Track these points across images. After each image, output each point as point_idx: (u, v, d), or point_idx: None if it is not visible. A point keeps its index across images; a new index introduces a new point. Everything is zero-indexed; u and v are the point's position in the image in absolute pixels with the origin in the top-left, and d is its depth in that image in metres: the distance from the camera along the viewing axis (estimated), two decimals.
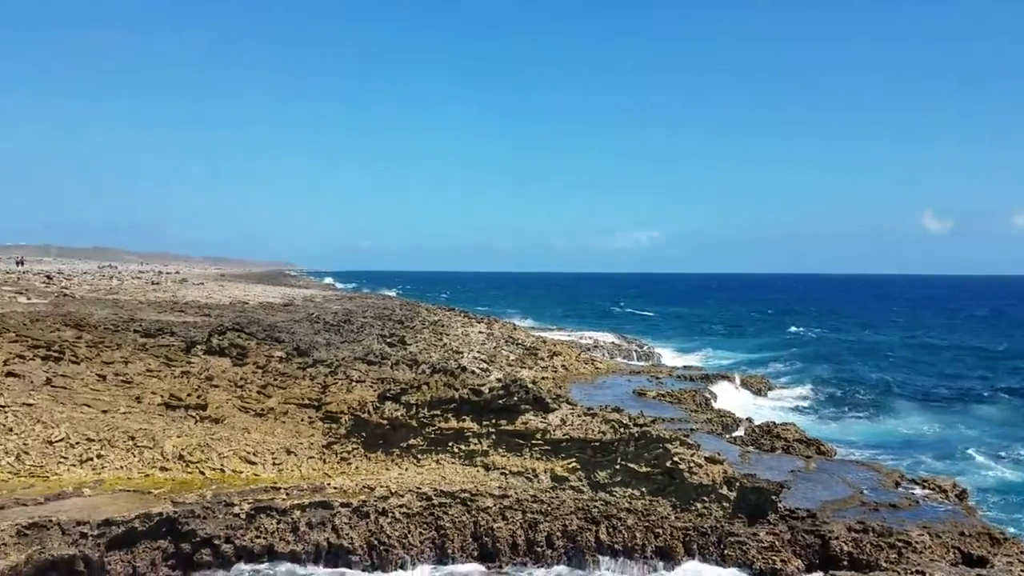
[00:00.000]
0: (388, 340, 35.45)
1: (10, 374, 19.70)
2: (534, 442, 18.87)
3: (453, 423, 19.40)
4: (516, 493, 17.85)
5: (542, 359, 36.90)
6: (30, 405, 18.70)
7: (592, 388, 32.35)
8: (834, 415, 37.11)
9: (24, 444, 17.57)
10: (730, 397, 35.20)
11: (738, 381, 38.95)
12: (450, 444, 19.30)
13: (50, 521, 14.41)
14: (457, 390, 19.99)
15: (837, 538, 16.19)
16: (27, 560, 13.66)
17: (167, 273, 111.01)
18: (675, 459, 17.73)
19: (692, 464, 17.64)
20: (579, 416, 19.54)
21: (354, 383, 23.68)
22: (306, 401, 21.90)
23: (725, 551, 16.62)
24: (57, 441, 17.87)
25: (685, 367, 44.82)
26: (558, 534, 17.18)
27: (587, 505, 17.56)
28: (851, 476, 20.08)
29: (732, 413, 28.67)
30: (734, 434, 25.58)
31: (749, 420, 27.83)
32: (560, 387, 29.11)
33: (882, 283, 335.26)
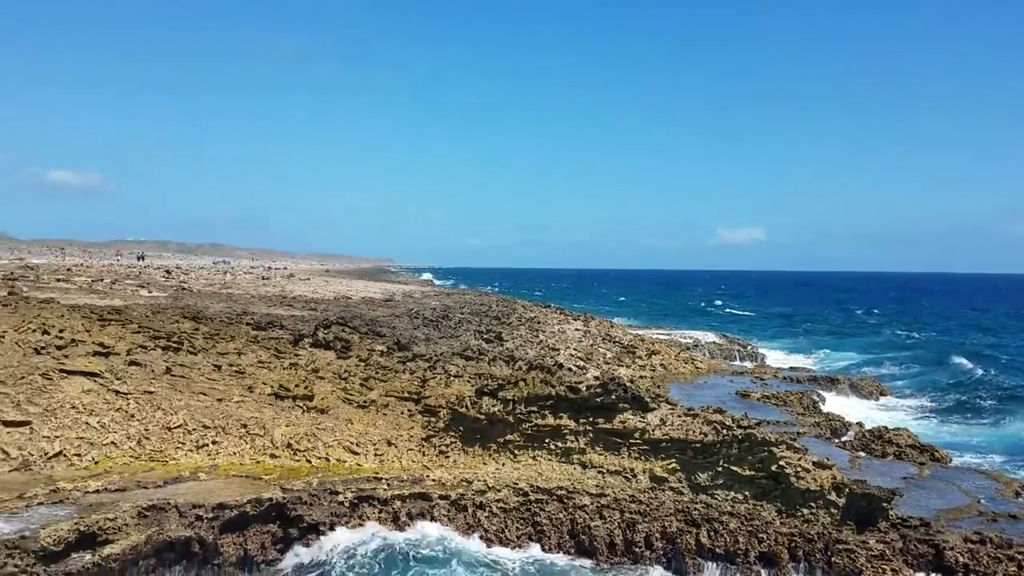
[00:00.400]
0: (485, 336, 35.77)
1: (133, 363, 20.86)
2: (632, 441, 18.63)
3: (550, 420, 19.37)
4: (614, 492, 17.67)
5: (640, 357, 36.43)
6: (151, 393, 19.76)
7: (692, 388, 31.72)
8: (949, 420, 35.08)
9: (145, 430, 18.59)
10: (839, 400, 33.90)
11: (848, 384, 37.42)
12: (547, 441, 19.29)
13: (168, 504, 15.17)
14: (554, 387, 19.94)
15: (952, 549, 15.33)
16: (147, 540, 14.42)
17: (276, 269, 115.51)
18: (781, 463, 17.16)
19: (799, 469, 17.04)
20: (679, 416, 19.18)
21: (452, 378, 23.97)
22: (406, 394, 22.32)
23: (832, 559, 15.96)
24: (176, 427, 18.82)
25: (791, 369, 43.39)
26: (657, 535, 16.91)
27: (687, 507, 17.22)
28: (967, 484, 19.00)
29: (841, 417, 27.57)
30: (843, 438, 24.61)
31: (859, 424, 26.69)
32: (659, 386, 28.68)
33: (988, 282, 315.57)
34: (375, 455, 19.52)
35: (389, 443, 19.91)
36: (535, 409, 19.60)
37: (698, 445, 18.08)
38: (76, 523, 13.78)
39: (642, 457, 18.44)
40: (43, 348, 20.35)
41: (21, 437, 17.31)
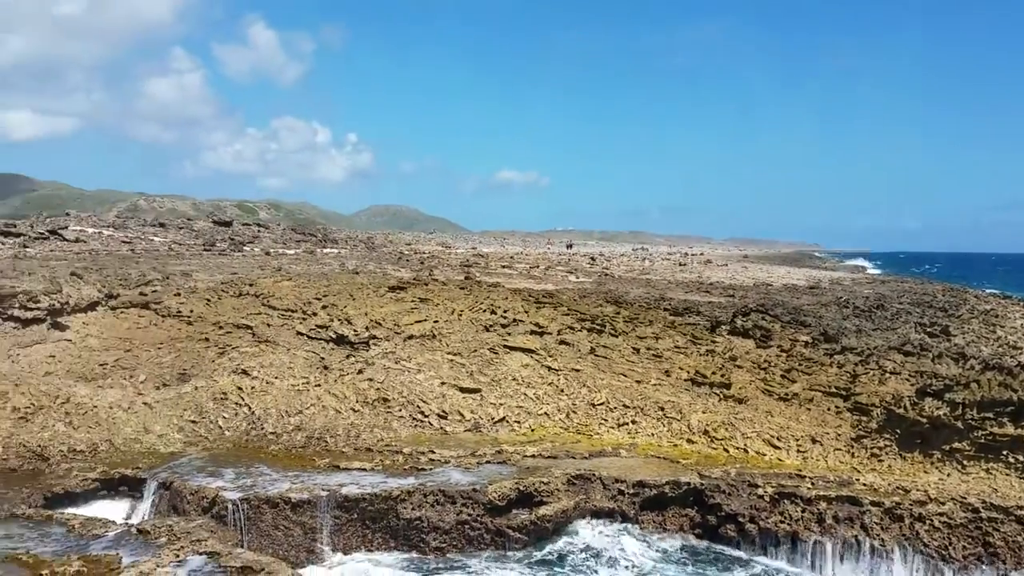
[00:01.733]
0: (928, 329, 31.76)
1: (562, 342, 22.65)
2: None
3: (1009, 429, 16.44)
4: None
5: None
6: (577, 371, 21.24)
7: None
8: None
9: (572, 404, 20.03)
10: None
11: None
12: (1005, 453, 16.41)
13: (593, 475, 16.13)
14: (1016, 391, 16.87)
15: None
16: (575, 506, 15.51)
17: (692, 255, 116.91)
18: None
19: None
20: None
21: (887, 375, 21.69)
22: (832, 389, 20.78)
23: None
24: (599, 404, 19.97)
25: None
26: None
27: None
28: None
29: None
30: None
31: None
32: None
33: None
34: (798, 451, 18.50)
35: (813, 440, 18.72)
36: (991, 416, 16.80)
37: None
38: (516, 483, 15.36)
39: None
40: (491, 326, 23.13)
41: (473, 402, 19.86)
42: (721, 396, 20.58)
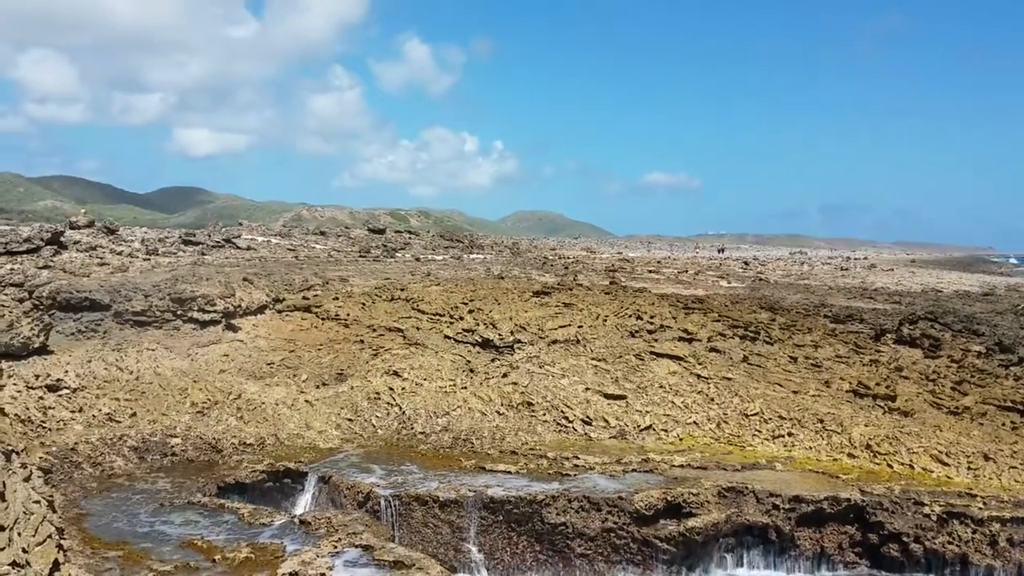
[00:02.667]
0: None
1: (713, 349, 21.97)
2: None
3: None
4: None
5: None
6: (729, 379, 20.53)
7: None
8: None
9: (723, 414, 19.38)
10: None
11: None
12: None
13: (746, 488, 15.52)
14: None
15: None
16: (726, 520, 14.96)
17: (855, 259, 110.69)
18: None
19: None
20: None
21: None
22: (1008, 403, 19.05)
23: None
24: (752, 415, 19.20)
25: None
26: None
27: None
28: None
29: None
30: None
31: None
32: None
33: None
34: (968, 468, 17.05)
35: (986, 457, 17.19)
36: None
37: None
38: (664, 492, 15.01)
39: None
40: (637, 332, 22.79)
41: (618, 409, 19.62)
42: (885, 409, 19.31)
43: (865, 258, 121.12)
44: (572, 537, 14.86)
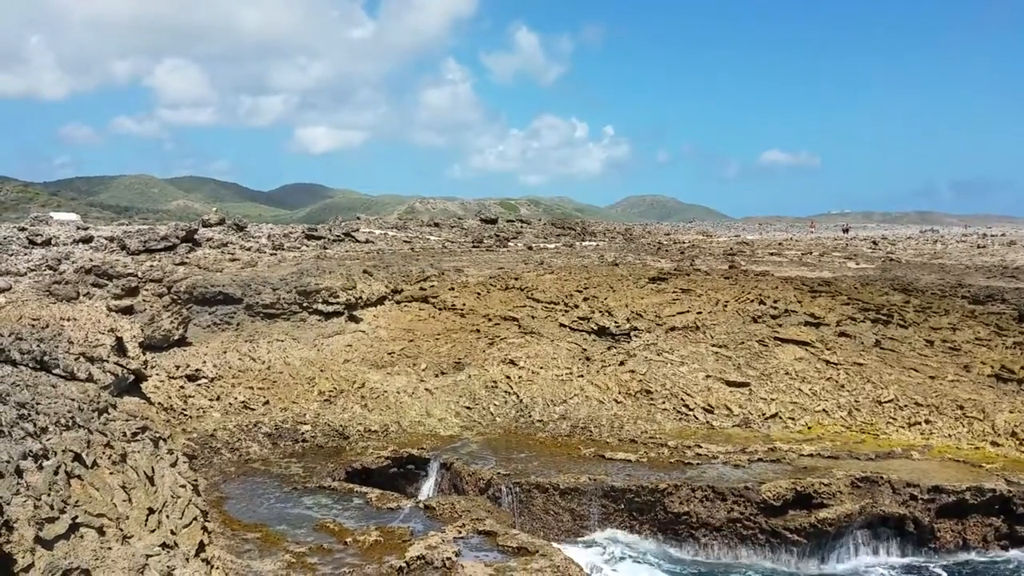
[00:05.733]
0: None
1: (842, 334, 20.99)
2: None
3: None
4: None
5: None
6: (860, 364, 19.58)
7: None
8: None
9: (855, 401, 18.50)
10: None
11: None
12: None
13: (881, 478, 14.77)
14: None
15: None
16: (860, 511, 14.28)
17: (992, 236, 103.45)
18: None
19: None
20: None
21: None
22: None
23: None
24: (886, 402, 18.25)
25: None
26: None
27: None
28: None
29: None
30: None
31: None
32: None
33: None
34: None
35: None
36: None
37: None
38: (793, 483, 14.48)
39: None
40: (759, 317, 22.05)
41: (741, 397, 19.06)
42: None
43: (1003, 235, 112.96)
44: (696, 527, 14.56)
